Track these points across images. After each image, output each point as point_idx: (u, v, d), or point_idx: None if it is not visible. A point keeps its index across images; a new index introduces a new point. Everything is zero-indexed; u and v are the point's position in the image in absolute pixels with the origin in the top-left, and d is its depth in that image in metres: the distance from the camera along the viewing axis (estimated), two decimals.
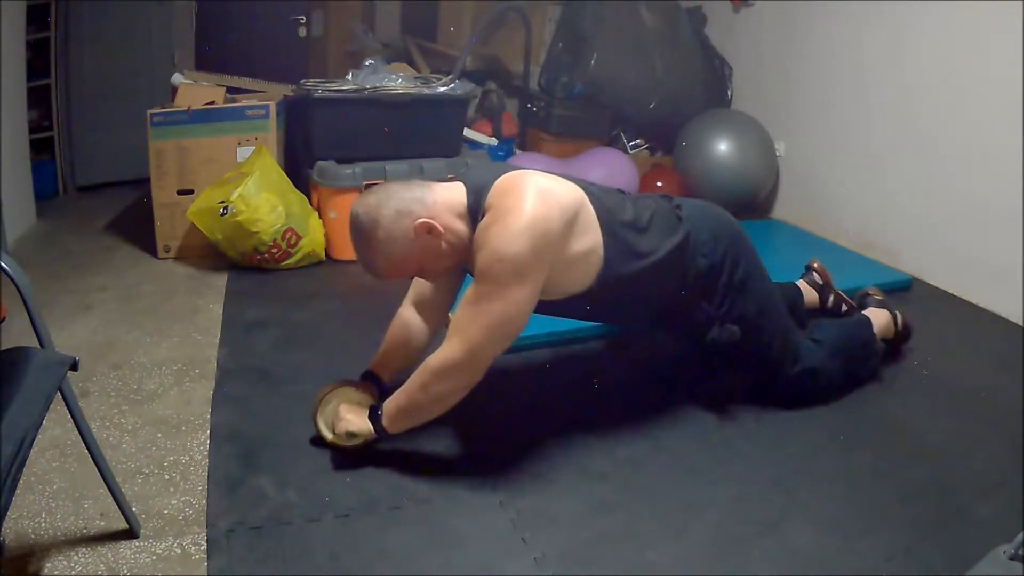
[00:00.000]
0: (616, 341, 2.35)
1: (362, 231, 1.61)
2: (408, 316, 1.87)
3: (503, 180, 1.63)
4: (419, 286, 1.88)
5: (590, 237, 1.67)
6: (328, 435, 1.73)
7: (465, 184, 1.68)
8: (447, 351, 1.58)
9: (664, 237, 1.77)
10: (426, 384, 1.60)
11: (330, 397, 1.77)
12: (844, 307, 2.38)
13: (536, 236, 1.53)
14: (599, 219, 1.69)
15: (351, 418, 1.69)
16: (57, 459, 1.69)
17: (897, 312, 2.29)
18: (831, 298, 2.39)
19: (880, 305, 2.29)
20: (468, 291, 1.59)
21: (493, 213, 1.57)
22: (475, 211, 1.62)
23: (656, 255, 1.75)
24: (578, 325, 2.22)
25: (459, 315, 1.59)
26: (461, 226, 1.64)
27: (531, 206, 1.54)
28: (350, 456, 1.71)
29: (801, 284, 2.40)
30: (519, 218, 1.53)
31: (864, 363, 2.12)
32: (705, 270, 1.81)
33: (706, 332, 1.84)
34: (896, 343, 2.28)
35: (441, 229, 1.60)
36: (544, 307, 1.72)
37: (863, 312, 2.25)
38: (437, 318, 1.89)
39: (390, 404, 1.66)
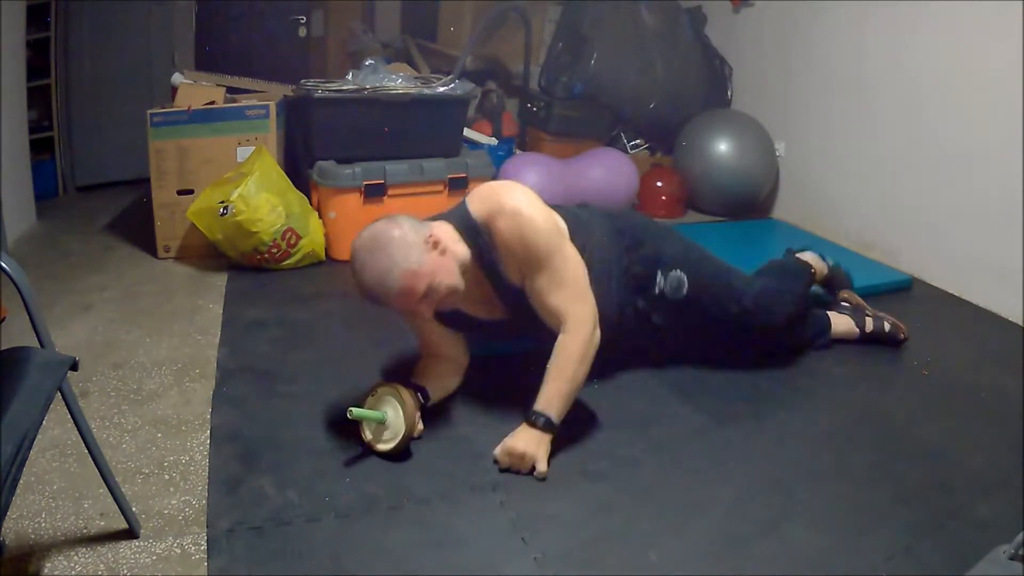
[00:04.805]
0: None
1: (374, 246, 1.64)
2: (433, 363, 1.95)
3: (474, 196, 1.79)
4: (427, 341, 1.96)
5: None
6: (368, 436, 1.74)
7: (443, 218, 1.81)
8: (573, 332, 1.73)
9: (592, 216, 2.00)
10: (575, 364, 1.72)
11: (382, 394, 1.75)
12: (887, 326, 2.34)
13: (536, 200, 1.76)
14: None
15: (530, 446, 1.67)
16: (57, 459, 1.69)
17: (869, 319, 2.33)
18: (869, 321, 2.34)
19: (845, 312, 2.36)
20: (539, 282, 1.74)
21: (504, 215, 1.71)
22: (469, 224, 1.75)
23: (593, 223, 1.96)
24: None
25: (552, 301, 1.74)
26: (463, 248, 1.75)
27: (514, 188, 1.77)
28: (353, 456, 1.72)
29: (832, 315, 2.35)
30: (518, 199, 1.73)
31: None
32: (629, 240, 2.01)
33: (653, 285, 2.02)
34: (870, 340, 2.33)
35: (447, 246, 1.69)
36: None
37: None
38: (460, 360, 1.98)
39: (550, 399, 1.71)
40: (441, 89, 3.10)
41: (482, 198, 1.76)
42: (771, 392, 2.10)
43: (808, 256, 2.45)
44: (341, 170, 2.97)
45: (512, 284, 1.79)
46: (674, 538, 1.51)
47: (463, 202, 1.80)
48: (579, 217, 1.95)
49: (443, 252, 1.67)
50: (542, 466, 1.67)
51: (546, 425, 1.70)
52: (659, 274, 2.01)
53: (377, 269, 1.62)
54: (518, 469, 1.68)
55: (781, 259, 2.46)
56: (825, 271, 2.45)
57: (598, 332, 1.75)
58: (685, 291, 2.01)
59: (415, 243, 1.64)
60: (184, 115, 2.97)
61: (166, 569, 1.39)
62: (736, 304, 2.05)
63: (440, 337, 1.93)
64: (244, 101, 3.17)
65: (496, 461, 1.70)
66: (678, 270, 2.02)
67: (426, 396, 1.83)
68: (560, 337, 1.73)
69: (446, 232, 1.73)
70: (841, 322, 2.33)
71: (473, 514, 1.56)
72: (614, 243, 1.99)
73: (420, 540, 1.48)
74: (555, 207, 1.88)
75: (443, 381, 1.91)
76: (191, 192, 2.97)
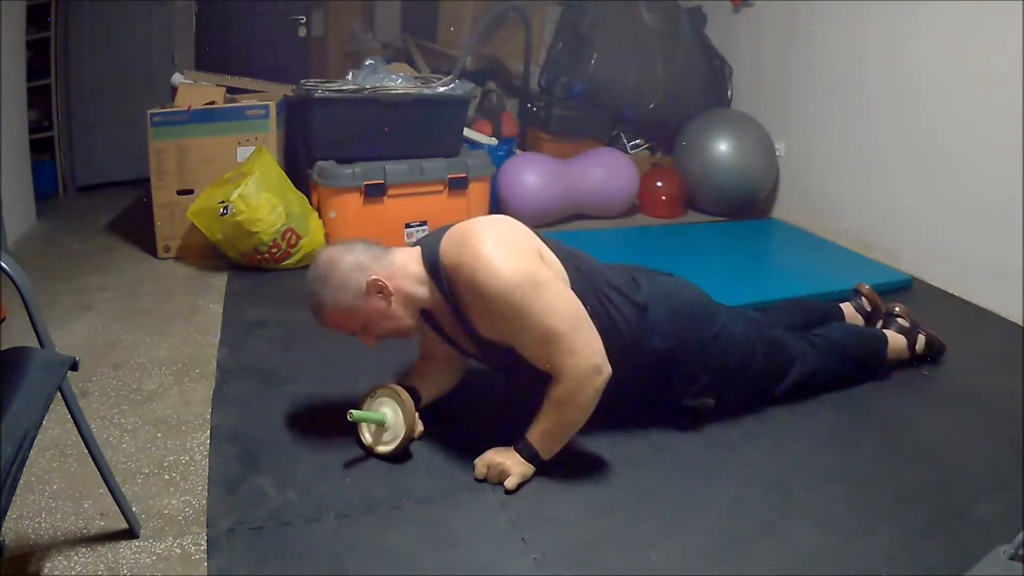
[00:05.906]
0: None
1: (319, 272, 1.64)
2: (428, 364, 1.92)
3: (449, 234, 1.65)
4: (423, 342, 1.92)
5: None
6: (368, 438, 1.74)
7: (420, 247, 1.70)
8: (567, 382, 1.57)
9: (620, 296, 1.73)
10: (565, 411, 1.61)
11: (380, 395, 1.75)
12: (935, 342, 2.26)
13: (508, 243, 1.59)
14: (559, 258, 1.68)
15: (507, 462, 1.64)
16: (57, 459, 1.69)
17: (921, 336, 2.22)
18: (880, 324, 2.28)
19: (902, 331, 2.22)
20: (523, 339, 1.59)
21: (463, 269, 1.56)
22: (434, 269, 1.63)
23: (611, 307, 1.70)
24: None
25: (541, 357, 1.59)
26: (421, 291, 1.66)
27: (487, 233, 1.59)
28: (353, 455, 1.72)
29: (846, 308, 2.29)
30: (481, 249, 1.55)
31: (865, 368, 2.13)
32: (663, 352, 1.76)
33: (677, 402, 1.88)
34: (912, 362, 2.24)
35: (391, 290, 1.64)
36: (489, 355, 1.74)
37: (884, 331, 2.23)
38: (456, 362, 1.92)
39: (535, 436, 1.65)
40: (441, 89, 3.10)
41: (453, 240, 1.62)
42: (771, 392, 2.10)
43: (892, 337, 2.19)
44: (341, 170, 2.97)
45: (482, 335, 1.65)
46: (674, 538, 1.51)
47: (442, 232, 1.67)
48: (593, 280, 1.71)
49: (387, 297, 1.63)
50: (511, 482, 1.61)
51: (530, 457, 1.65)
52: (688, 398, 1.87)
53: (316, 296, 1.64)
54: (494, 481, 1.65)
55: (865, 331, 2.22)
56: (906, 355, 2.20)
57: (602, 376, 1.56)
58: (710, 408, 1.88)
59: (355, 284, 1.61)
60: (184, 115, 2.97)
61: (166, 569, 1.39)
62: (771, 391, 1.98)
63: (433, 341, 1.87)
64: (244, 101, 3.17)
65: (474, 468, 1.68)
66: (711, 398, 1.88)
67: (417, 397, 1.82)
68: (553, 384, 1.59)
69: (405, 269, 1.66)
70: (896, 343, 2.18)
71: (473, 514, 1.56)
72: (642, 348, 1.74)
73: (420, 540, 1.48)
74: (556, 249, 1.69)
75: (436, 382, 1.89)
76: (191, 192, 2.97)
